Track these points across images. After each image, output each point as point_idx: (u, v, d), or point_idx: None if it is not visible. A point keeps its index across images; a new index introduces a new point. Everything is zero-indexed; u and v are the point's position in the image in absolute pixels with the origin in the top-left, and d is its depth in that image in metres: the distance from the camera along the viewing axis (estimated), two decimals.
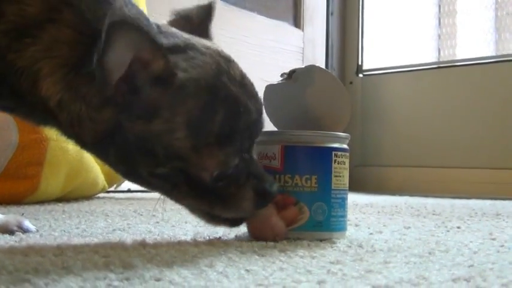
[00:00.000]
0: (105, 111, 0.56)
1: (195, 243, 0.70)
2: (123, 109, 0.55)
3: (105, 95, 0.55)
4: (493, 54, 2.25)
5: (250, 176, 0.61)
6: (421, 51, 2.35)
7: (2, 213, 0.79)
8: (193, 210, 0.64)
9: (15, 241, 0.69)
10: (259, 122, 0.61)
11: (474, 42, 2.30)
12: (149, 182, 0.61)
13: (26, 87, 0.58)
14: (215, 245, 0.68)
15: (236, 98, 0.58)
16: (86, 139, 0.59)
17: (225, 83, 0.57)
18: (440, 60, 2.35)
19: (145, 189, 0.66)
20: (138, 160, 0.58)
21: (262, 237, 0.68)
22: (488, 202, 1.66)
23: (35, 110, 0.61)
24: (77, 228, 0.85)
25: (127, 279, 0.46)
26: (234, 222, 0.65)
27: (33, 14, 0.56)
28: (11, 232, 0.74)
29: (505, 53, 2.24)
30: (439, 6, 2.35)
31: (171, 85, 0.55)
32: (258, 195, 0.61)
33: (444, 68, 2.26)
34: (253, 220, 0.68)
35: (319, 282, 0.46)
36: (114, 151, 0.58)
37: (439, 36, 2.35)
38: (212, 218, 0.64)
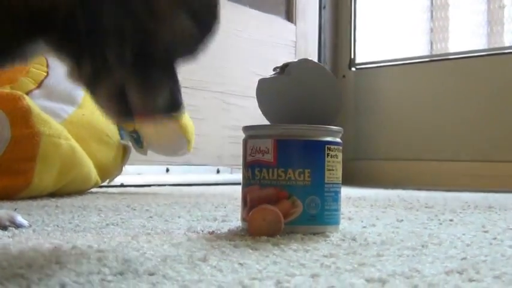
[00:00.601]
0: None
1: (188, 237, 0.70)
2: None
3: None
4: (485, 47, 2.25)
5: None
6: (413, 45, 2.35)
7: None
8: (104, 86, 0.58)
9: (8, 236, 0.69)
10: None
11: (466, 36, 2.30)
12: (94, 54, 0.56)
13: None
14: (208, 239, 0.68)
15: None
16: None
17: None
18: (433, 53, 2.35)
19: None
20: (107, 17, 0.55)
21: (261, 231, 0.68)
22: (480, 195, 1.68)
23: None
24: (70, 223, 0.85)
25: (121, 273, 0.45)
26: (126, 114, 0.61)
27: None
28: (4, 227, 0.73)
29: (496, 46, 2.24)
30: (431, 0, 2.36)
31: None
32: None
33: (436, 62, 2.27)
34: (252, 214, 0.69)
35: (313, 276, 0.46)
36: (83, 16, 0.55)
37: (431, 29, 2.35)
38: (116, 101, 0.59)
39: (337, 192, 0.75)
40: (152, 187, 1.80)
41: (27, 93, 1.28)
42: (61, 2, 0.54)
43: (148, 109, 0.58)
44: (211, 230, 0.76)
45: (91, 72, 0.56)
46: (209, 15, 0.58)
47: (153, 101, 0.57)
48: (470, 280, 0.45)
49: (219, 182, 2.05)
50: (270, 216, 0.69)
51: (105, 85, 0.57)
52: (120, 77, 0.56)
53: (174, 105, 0.58)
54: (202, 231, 0.76)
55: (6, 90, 1.25)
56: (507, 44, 2.20)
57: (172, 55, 0.58)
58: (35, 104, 1.25)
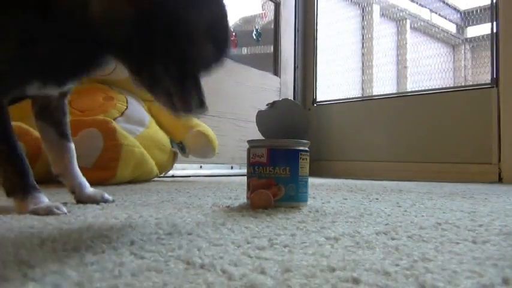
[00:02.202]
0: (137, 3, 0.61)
1: (213, 209, 0.81)
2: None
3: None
4: (395, 91, 3.13)
5: None
6: (352, 89, 3.17)
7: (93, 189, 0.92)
8: (161, 91, 0.66)
9: (99, 208, 0.81)
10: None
11: (383, 84, 3.19)
12: (147, 68, 0.64)
13: (77, 15, 0.64)
14: (226, 211, 0.79)
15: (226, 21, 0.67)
16: (115, 32, 0.63)
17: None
18: (363, 95, 3.17)
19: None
20: (152, 43, 0.62)
21: (259, 205, 0.83)
22: (394, 183, 1.98)
23: (87, 41, 0.65)
24: (139, 200, 0.97)
25: (170, 233, 0.55)
26: (175, 110, 0.68)
27: None
28: (97, 202, 0.88)
29: (401, 91, 3.13)
30: (362, 62, 3.25)
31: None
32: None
33: (366, 100, 2.99)
34: (253, 194, 0.81)
35: (292, 235, 0.56)
36: (139, 43, 0.62)
37: (363, 80, 3.27)
38: (170, 102, 0.66)
39: (307, 181, 0.90)
40: (191, 177, 2.22)
41: (114, 119, 1.62)
42: (121, 33, 0.62)
43: (186, 107, 0.66)
44: (227, 205, 0.88)
45: (147, 80, 0.65)
46: (225, 44, 0.67)
47: (189, 101, 0.65)
48: (393, 239, 0.54)
49: (232, 175, 2.63)
50: (264, 196, 0.83)
51: (158, 88, 0.66)
52: (167, 84, 0.64)
53: (201, 105, 0.65)
54: (222, 205, 0.88)
55: (101, 117, 1.56)
56: (409, 90, 3.08)
57: (199, 69, 0.66)
58: (119, 125, 1.56)
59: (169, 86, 0.64)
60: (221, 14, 0.66)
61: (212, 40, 0.65)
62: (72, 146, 0.90)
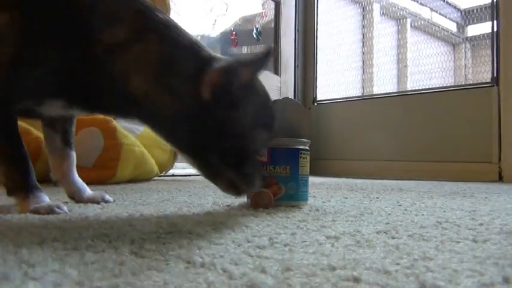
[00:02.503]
0: (188, 100, 0.65)
1: (213, 208, 0.82)
2: (206, 101, 0.65)
3: (194, 90, 0.65)
4: (395, 90, 3.12)
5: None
6: (352, 88, 3.18)
7: (92, 190, 0.93)
8: (221, 179, 0.71)
9: (99, 208, 0.81)
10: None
11: (384, 83, 3.16)
12: (203, 157, 0.69)
13: (118, 87, 0.67)
14: (226, 210, 0.80)
15: (272, 107, 0.74)
16: (164, 121, 0.67)
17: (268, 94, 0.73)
18: (364, 94, 3.17)
19: (193, 169, 0.74)
20: (208, 135, 0.66)
21: (259, 205, 0.83)
22: (394, 182, 1.99)
23: (124, 106, 0.69)
24: (140, 199, 0.98)
25: (170, 232, 0.55)
26: (239, 193, 0.75)
27: (122, 37, 0.67)
28: (97, 202, 0.88)
29: (402, 90, 3.12)
30: (363, 61, 3.24)
31: (251, 88, 0.69)
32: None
33: (366, 99, 3.02)
34: (253, 193, 0.82)
35: (292, 234, 0.56)
36: (186, 128, 0.67)
37: (363, 79, 3.24)
38: (232, 187, 0.72)
39: (307, 180, 0.90)
40: (191, 176, 2.17)
41: (114, 118, 1.60)
42: (167, 120, 0.68)
43: (251, 187, 0.73)
44: (228, 204, 0.89)
45: (208, 169, 0.71)
46: (272, 128, 0.74)
47: (253, 182, 0.72)
48: (393, 237, 0.55)
49: None
50: (265, 196, 0.83)
51: (219, 176, 0.71)
52: (228, 172, 0.70)
53: (263, 179, 0.74)
54: (223, 204, 0.89)
55: (101, 116, 1.53)
56: (409, 89, 3.08)
57: (257, 152, 0.74)
58: (119, 125, 1.55)
59: (230, 174, 0.70)
60: (266, 97, 0.72)
61: (263, 125, 0.71)
62: (74, 154, 0.92)
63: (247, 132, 0.68)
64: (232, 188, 0.72)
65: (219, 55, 0.71)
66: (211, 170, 0.71)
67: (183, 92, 0.65)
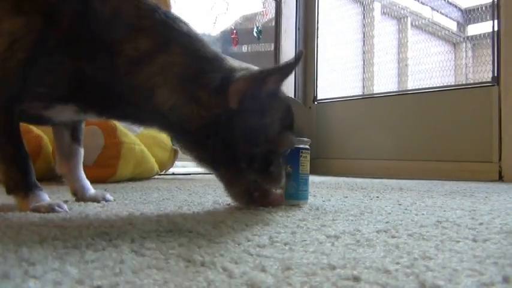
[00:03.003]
0: (216, 110, 0.67)
1: (214, 207, 0.83)
2: (234, 110, 0.67)
3: (220, 100, 0.67)
4: (396, 89, 3.13)
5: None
6: (352, 87, 3.21)
7: (93, 189, 0.94)
8: (242, 186, 0.74)
9: (100, 207, 0.82)
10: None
11: (385, 82, 3.20)
12: (230, 165, 0.71)
13: (141, 98, 0.68)
14: (226, 209, 0.80)
15: (291, 108, 0.75)
16: (189, 131, 0.69)
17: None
18: (364, 93, 3.21)
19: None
20: (237, 143, 0.69)
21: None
22: (394, 181, 1.99)
23: (146, 115, 0.71)
24: (140, 198, 0.99)
25: (170, 231, 0.56)
26: (256, 203, 0.77)
27: (146, 48, 0.68)
28: (98, 201, 0.89)
29: (402, 89, 3.14)
30: (363, 60, 3.27)
31: (276, 96, 0.71)
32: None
33: (366, 98, 3.05)
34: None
35: (292, 233, 0.57)
36: (214, 137, 0.69)
37: (363, 78, 3.29)
38: (249, 198, 0.75)
39: (307, 179, 0.91)
40: (192, 175, 2.19)
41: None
42: (192, 131, 0.70)
43: (277, 185, 0.76)
44: (228, 203, 0.88)
45: (232, 176, 0.73)
46: (293, 128, 0.76)
47: (279, 179, 0.74)
48: (393, 237, 0.55)
49: None
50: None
51: (238, 185, 0.74)
52: (251, 178, 0.73)
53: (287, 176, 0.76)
54: (223, 203, 0.89)
55: None
56: (410, 88, 3.10)
57: (284, 154, 0.76)
58: (119, 124, 1.54)
59: (257, 177, 0.73)
60: (287, 100, 0.76)
61: (288, 127, 0.74)
62: (82, 150, 0.92)
63: (276, 136, 0.71)
64: (249, 199, 0.75)
65: (242, 65, 0.73)
66: (235, 176, 0.73)
67: (210, 102, 0.67)
